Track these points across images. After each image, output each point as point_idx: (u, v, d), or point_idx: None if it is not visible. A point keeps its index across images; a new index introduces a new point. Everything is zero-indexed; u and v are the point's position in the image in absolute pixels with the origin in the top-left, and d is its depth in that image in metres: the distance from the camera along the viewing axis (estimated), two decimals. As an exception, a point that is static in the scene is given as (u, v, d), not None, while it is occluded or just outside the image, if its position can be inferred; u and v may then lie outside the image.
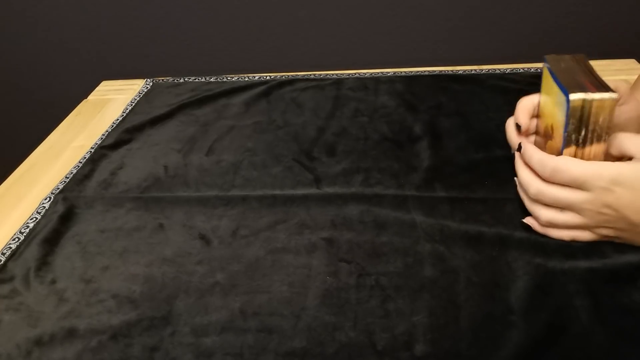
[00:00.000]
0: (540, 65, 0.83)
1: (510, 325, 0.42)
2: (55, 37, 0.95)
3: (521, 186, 0.50)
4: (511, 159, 0.60)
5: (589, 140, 0.44)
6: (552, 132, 0.48)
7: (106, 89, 0.92)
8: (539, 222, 0.49)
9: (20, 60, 0.99)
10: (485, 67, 0.84)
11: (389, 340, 0.42)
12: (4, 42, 0.97)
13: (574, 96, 0.43)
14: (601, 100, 0.42)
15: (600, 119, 0.43)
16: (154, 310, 0.47)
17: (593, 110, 0.43)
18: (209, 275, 0.50)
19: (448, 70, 0.84)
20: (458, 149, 0.64)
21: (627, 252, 0.46)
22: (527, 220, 0.50)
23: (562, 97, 0.44)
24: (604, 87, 0.43)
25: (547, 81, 0.48)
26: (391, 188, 0.58)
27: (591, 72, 0.46)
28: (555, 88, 0.46)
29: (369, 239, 0.52)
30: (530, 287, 0.45)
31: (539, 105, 0.52)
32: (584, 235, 0.47)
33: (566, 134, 0.44)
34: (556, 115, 0.46)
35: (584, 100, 0.43)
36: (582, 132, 0.44)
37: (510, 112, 0.53)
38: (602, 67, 0.46)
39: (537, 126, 0.54)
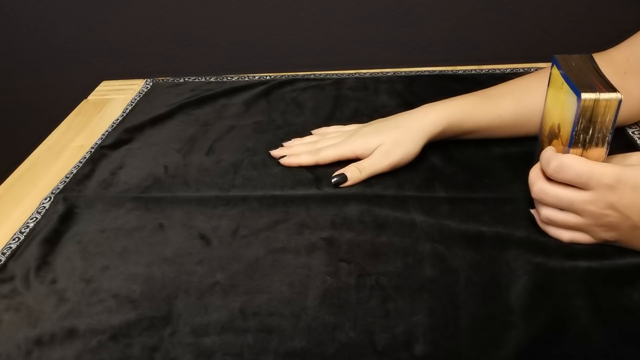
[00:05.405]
0: (540, 65, 0.83)
1: (510, 325, 0.42)
2: (55, 37, 0.95)
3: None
4: (511, 159, 0.61)
5: (594, 141, 0.45)
6: (559, 132, 0.48)
7: (106, 89, 0.92)
8: (539, 217, 0.49)
9: (20, 60, 0.99)
10: (485, 67, 0.84)
11: (389, 340, 0.42)
12: (3, 42, 0.97)
13: (586, 95, 0.43)
14: (609, 100, 0.42)
15: (607, 119, 0.43)
16: (154, 310, 0.47)
17: (601, 110, 0.43)
18: (209, 275, 0.50)
19: (448, 70, 0.84)
20: (458, 148, 0.64)
21: (627, 252, 0.46)
22: (533, 211, 0.50)
23: (573, 97, 0.44)
24: (611, 87, 0.43)
25: (556, 80, 0.48)
26: (391, 188, 0.58)
27: (598, 72, 0.46)
28: (564, 87, 0.46)
29: (369, 239, 0.52)
30: (530, 287, 0.45)
31: (544, 104, 0.52)
32: (584, 238, 0.47)
33: (574, 132, 0.45)
34: (565, 114, 0.46)
35: (595, 100, 0.43)
36: (589, 131, 0.44)
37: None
38: (602, 67, 0.47)
39: (540, 126, 0.54)
